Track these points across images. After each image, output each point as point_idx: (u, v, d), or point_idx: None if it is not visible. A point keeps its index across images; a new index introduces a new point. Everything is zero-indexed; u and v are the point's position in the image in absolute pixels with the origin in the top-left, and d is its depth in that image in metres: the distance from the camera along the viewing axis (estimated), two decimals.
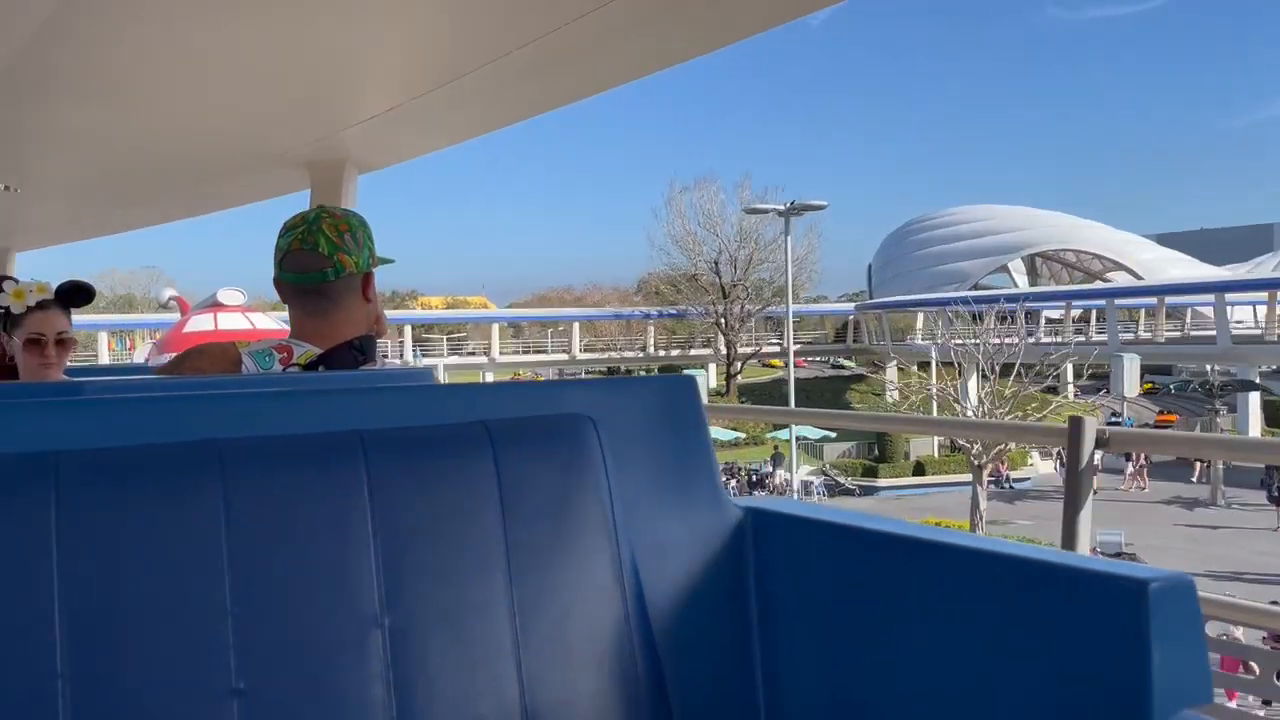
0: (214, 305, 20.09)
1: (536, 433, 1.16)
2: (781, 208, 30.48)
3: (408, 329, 47.88)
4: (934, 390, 29.91)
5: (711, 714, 1.23)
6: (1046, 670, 0.98)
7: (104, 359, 38.57)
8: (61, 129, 4.63)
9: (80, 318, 2.95)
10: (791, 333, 31.98)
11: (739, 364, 48.69)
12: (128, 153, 5.33)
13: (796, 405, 31.45)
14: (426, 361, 44.53)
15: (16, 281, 2.65)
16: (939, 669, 1.08)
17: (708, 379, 43.08)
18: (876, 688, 1.15)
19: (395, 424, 1.12)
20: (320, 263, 1.78)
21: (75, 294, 2.67)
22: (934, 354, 32.50)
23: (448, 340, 50.42)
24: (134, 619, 0.92)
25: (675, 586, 1.24)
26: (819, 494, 30.20)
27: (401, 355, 45.43)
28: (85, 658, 0.89)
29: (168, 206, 7.56)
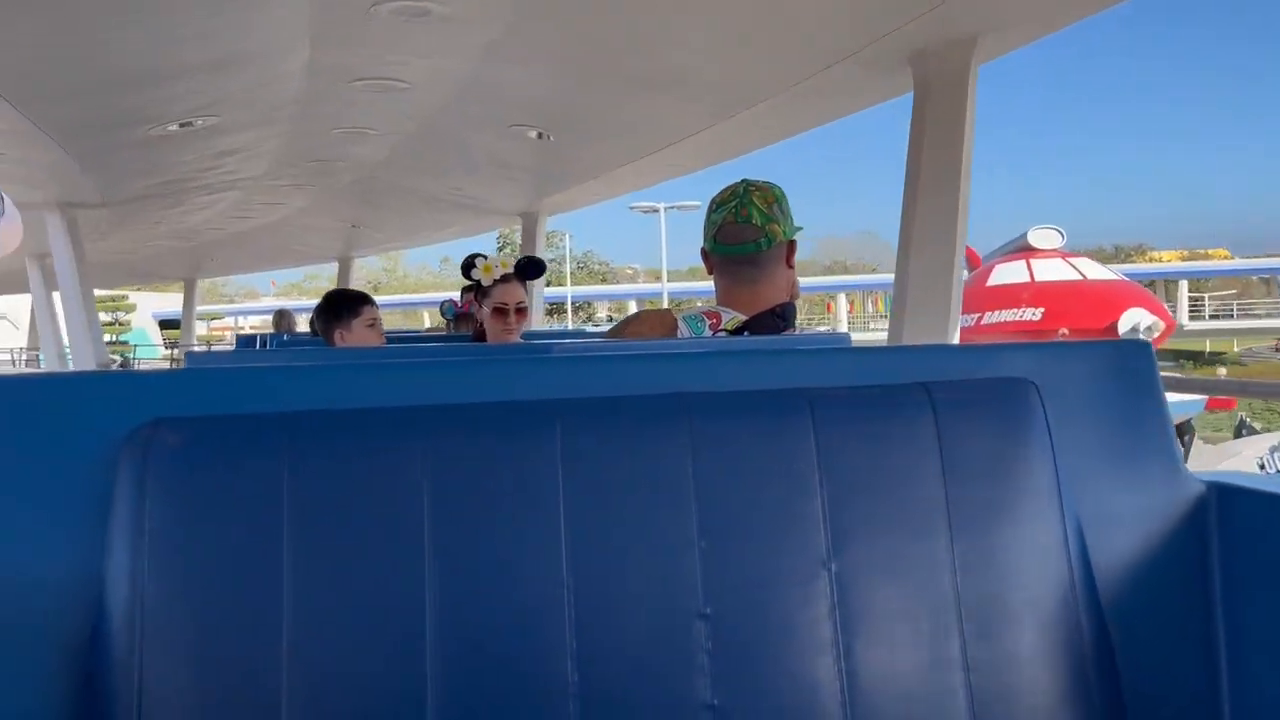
0: (1024, 250, 14.48)
1: (977, 396, 1.17)
2: None
3: (1183, 286, 39.92)
4: None
5: (1165, 698, 1.16)
6: None
7: (843, 322, 42.16)
8: None
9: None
10: None
11: None
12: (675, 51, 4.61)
13: None
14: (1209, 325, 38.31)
15: (486, 258, 3.15)
16: None
17: None
18: None
19: (839, 383, 1.17)
20: (754, 234, 1.90)
21: (530, 268, 3.15)
22: None
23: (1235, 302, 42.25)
24: (618, 543, 1.05)
25: (1124, 560, 1.19)
26: None
27: (1177, 315, 36.67)
28: (584, 571, 1.03)
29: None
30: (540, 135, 6.57)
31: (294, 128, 7.01)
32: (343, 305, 3.13)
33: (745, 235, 1.88)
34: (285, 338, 4.56)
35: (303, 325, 9.60)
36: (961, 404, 1.14)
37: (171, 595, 0.96)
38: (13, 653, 0.96)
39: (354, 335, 3.08)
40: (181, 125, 6.08)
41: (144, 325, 38.95)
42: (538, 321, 8.79)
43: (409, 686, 0.96)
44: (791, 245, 1.94)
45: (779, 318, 1.88)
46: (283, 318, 7.36)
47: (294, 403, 1.06)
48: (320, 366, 1.11)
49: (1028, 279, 15.67)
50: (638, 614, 1.03)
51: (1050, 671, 1.09)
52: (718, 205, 1.93)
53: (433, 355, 1.53)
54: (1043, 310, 15.03)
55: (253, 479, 0.99)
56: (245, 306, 51.06)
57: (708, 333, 1.86)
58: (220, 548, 0.97)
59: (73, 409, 1.01)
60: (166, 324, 38.44)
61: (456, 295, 5.22)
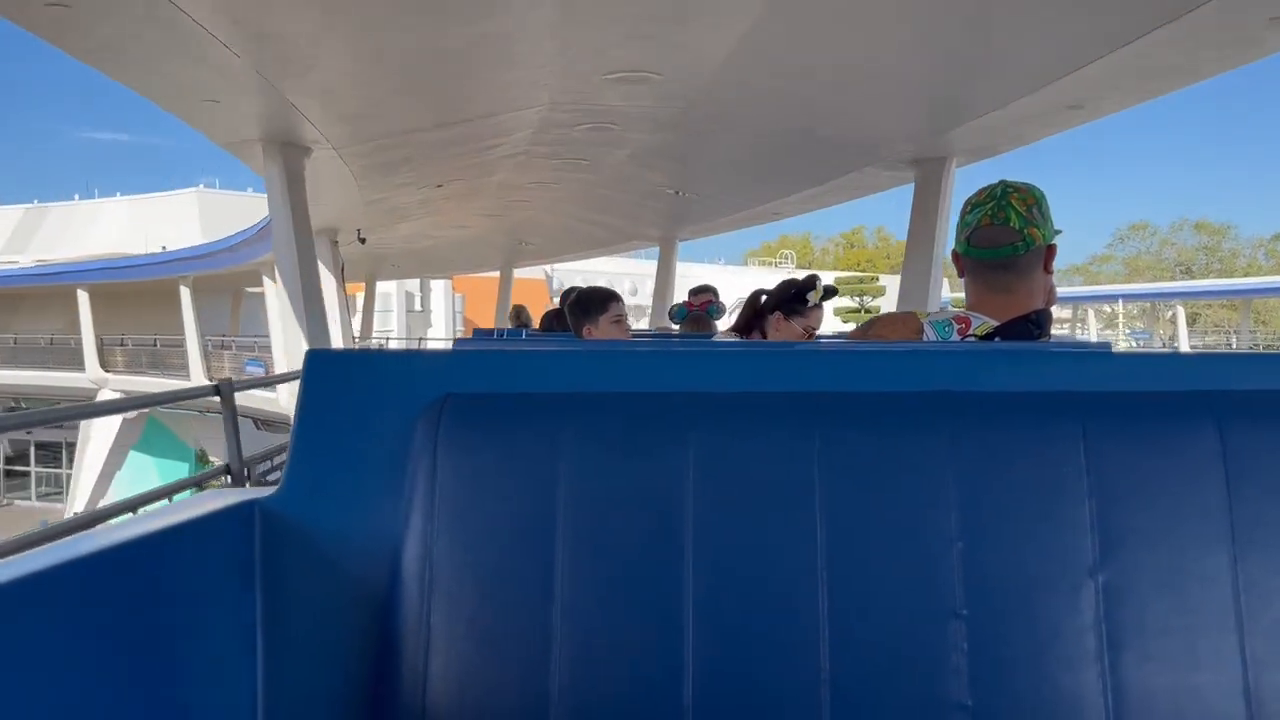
0: None
1: (1266, 407, 1.10)
2: None
3: None
4: None
5: None
6: None
7: None
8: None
9: None
10: None
11: None
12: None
13: None
14: None
15: (815, 288, 3.34)
16: None
17: None
18: None
19: (1108, 389, 1.12)
20: (1011, 237, 1.79)
21: (829, 295, 3.36)
22: None
23: None
24: (875, 536, 1.03)
25: None
26: None
27: None
28: (839, 562, 1.02)
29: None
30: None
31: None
32: (592, 302, 3.26)
33: (1002, 239, 1.80)
34: (525, 334, 4.98)
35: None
36: (1248, 415, 1.08)
37: (456, 555, 1.03)
38: (322, 600, 1.04)
39: (600, 330, 3.22)
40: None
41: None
42: None
43: (669, 657, 1.00)
44: (1051, 250, 1.85)
45: (1033, 324, 1.81)
46: (520, 314, 8.09)
47: (566, 384, 1.12)
48: (593, 352, 1.16)
49: None
50: (892, 609, 1.02)
51: None
52: (973, 206, 1.85)
53: (690, 347, 1.61)
54: None
55: (531, 451, 1.05)
56: None
57: (955, 337, 1.81)
58: (501, 514, 1.04)
59: (378, 382, 1.10)
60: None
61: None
